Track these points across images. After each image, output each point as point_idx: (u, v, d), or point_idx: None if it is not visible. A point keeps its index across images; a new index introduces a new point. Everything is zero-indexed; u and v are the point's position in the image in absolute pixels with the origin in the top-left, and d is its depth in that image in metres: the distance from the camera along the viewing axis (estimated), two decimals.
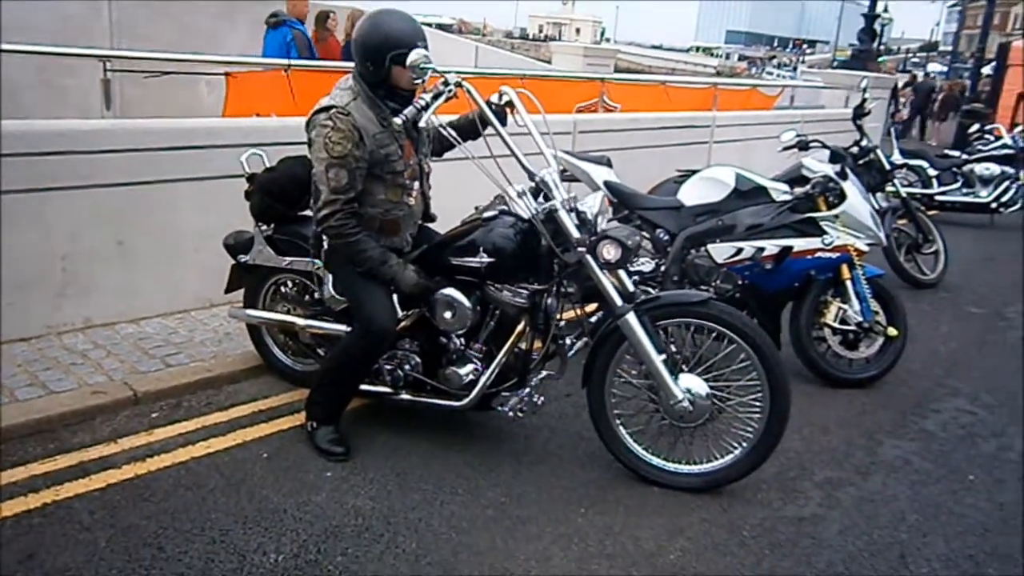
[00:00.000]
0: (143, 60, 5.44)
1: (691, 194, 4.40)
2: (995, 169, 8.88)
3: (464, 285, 3.12)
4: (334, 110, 2.92)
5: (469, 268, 3.07)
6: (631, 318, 2.93)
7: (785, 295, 4.21)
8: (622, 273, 3.05)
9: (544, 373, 3.22)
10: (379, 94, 3.02)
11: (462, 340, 3.21)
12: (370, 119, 2.98)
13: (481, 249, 3.02)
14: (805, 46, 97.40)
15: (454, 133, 3.11)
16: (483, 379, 3.15)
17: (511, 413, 3.16)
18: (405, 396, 3.31)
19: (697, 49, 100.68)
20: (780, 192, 4.20)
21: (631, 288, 3.06)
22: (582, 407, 3.55)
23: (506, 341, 3.14)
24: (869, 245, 4.15)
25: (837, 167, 4.15)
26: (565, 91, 7.70)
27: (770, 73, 51.73)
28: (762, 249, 4.06)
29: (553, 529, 2.82)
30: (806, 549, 2.80)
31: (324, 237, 3.18)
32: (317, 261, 3.34)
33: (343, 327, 3.38)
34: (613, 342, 3.07)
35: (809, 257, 4.06)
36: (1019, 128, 10.50)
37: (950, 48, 64.90)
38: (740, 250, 4.09)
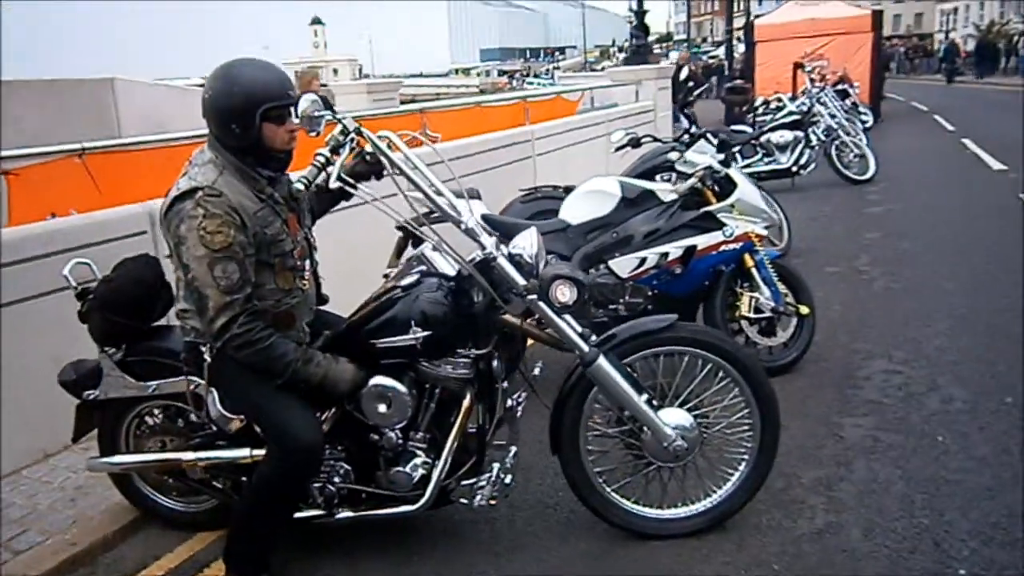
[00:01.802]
0: None
1: (575, 211, 4.09)
2: (788, 135, 9.41)
3: (392, 368, 2.61)
4: (200, 193, 2.30)
5: (400, 348, 2.55)
6: (603, 362, 2.54)
7: (698, 296, 4.02)
8: (567, 315, 2.65)
9: (514, 450, 2.75)
10: (248, 162, 2.44)
11: (398, 432, 2.68)
12: (245, 195, 2.39)
13: (412, 323, 2.52)
14: (556, 53, 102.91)
15: (362, 189, 2.57)
16: (436, 473, 2.64)
17: (483, 502, 2.66)
18: (344, 514, 2.73)
19: (456, 71, 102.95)
20: (666, 192, 4.01)
21: (580, 328, 2.67)
22: (529, 467, 3.18)
23: (452, 422, 2.65)
24: (766, 228, 4.05)
25: (721, 156, 4.01)
26: (380, 128, 7.22)
27: (531, 83, 53.61)
28: (666, 254, 3.85)
29: None
30: (846, 565, 2.54)
31: (203, 349, 2.55)
32: (195, 378, 2.67)
33: (244, 451, 2.73)
34: (580, 394, 2.67)
35: (714, 252, 3.88)
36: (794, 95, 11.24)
37: (684, 37, 71.05)
38: (644, 260, 3.86)
